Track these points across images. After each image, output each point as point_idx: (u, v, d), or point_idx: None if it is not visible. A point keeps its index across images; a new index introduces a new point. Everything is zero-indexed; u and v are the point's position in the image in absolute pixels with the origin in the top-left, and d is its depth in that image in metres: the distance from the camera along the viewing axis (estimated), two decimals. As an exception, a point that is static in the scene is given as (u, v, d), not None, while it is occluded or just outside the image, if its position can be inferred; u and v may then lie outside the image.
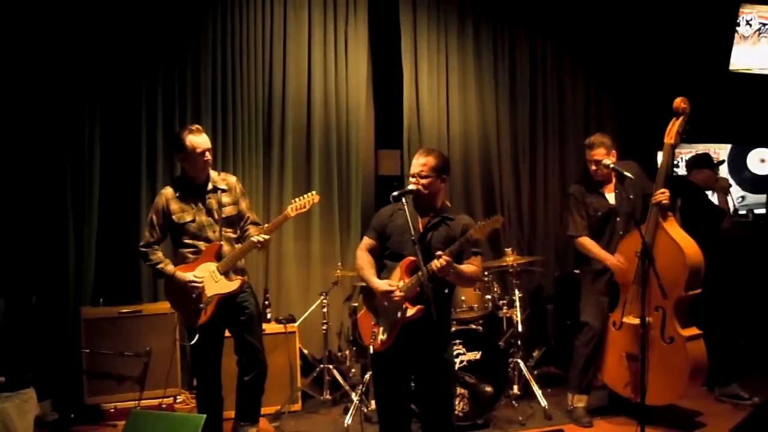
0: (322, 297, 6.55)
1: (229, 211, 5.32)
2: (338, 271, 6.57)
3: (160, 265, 5.23)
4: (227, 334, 5.42)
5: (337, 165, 7.22)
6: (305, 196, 5.27)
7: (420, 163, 4.36)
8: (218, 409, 5.38)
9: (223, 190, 5.32)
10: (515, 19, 7.93)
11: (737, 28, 8.29)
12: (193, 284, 5.13)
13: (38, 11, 6.21)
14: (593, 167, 5.91)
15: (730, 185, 7.17)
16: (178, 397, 6.21)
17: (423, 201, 4.37)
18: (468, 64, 7.72)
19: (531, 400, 6.32)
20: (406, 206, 4.24)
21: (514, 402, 6.25)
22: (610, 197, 5.97)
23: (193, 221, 5.21)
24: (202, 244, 5.23)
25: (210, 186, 5.29)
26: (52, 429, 5.68)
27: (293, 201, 5.26)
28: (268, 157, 7.02)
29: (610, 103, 8.32)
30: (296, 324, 6.51)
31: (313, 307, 6.72)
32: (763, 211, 8.68)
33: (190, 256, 5.24)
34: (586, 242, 5.98)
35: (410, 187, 4.35)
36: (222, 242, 5.24)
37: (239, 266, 5.36)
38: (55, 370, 6.11)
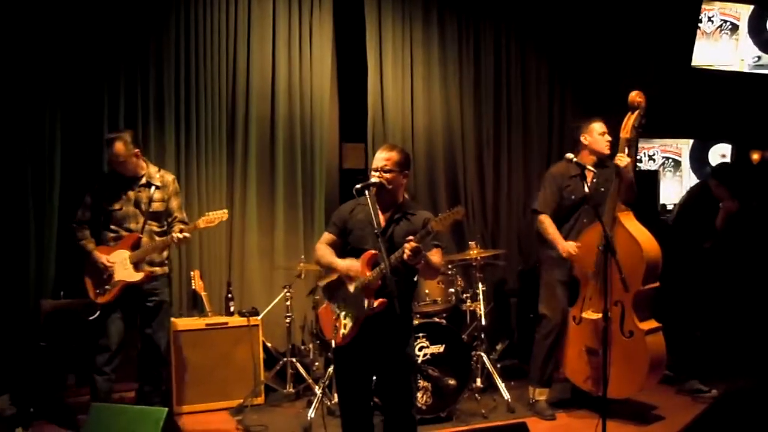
0: (286, 290, 6.54)
1: (157, 206, 5.71)
2: (302, 264, 6.55)
3: (82, 242, 5.67)
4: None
5: (301, 158, 7.20)
6: (217, 212, 5.68)
7: (383, 157, 4.35)
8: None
9: (157, 187, 5.72)
10: (480, 12, 7.93)
11: (699, 25, 8.38)
12: (104, 266, 5.54)
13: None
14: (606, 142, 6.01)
15: None
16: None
17: (385, 196, 4.35)
18: (433, 57, 7.72)
19: (494, 393, 6.37)
20: (369, 200, 4.23)
21: (477, 395, 6.30)
22: (586, 185, 5.95)
23: (120, 210, 5.61)
24: (124, 232, 5.64)
25: (144, 180, 5.70)
26: (11, 423, 5.60)
27: (206, 214, 5.69)
28: (232, 150, 6.98)
29: (573, 98, 8.35)
30: (259, 317, 6.52)
31: (276, 300, 6.71)
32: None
33: (111, 241, 5.65)
34: (546, 222, 6.00)
35: (373, 180, 4.33)
36: (143, 234, 5.64)
37: (157, 260, 5.77)
38: (14, 363, 6.03)
